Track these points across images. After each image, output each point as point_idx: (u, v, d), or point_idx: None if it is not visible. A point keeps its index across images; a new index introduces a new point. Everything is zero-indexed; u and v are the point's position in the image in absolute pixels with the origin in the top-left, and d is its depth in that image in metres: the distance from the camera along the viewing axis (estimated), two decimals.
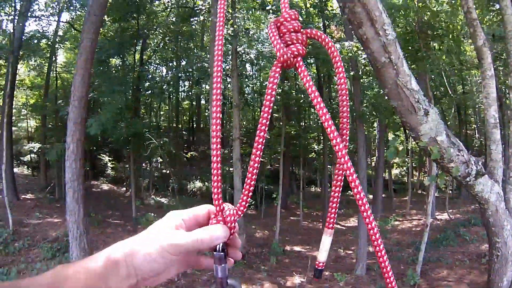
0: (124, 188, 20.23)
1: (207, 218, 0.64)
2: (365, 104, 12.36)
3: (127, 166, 19.65)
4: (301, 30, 0.66)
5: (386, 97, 2.72)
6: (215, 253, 0.60)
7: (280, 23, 0.66)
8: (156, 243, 0.56)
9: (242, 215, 0.64)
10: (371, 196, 17.35)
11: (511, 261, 4.53)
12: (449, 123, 19.07)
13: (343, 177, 0.70)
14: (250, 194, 0.64)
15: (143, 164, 20.16)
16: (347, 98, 0.69)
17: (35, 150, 19.05)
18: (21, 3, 13.68)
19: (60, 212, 11.89)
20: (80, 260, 0.55)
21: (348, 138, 0.71)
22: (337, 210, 0.70)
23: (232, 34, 10.28)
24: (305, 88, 0.64)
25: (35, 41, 14.56)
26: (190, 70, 17.26)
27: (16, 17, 13.51)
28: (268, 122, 0.65)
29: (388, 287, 0.61)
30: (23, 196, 14.53)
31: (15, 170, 17.24)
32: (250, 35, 11.89)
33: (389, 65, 2.21)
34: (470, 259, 8.93)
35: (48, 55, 16.49)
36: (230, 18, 10.01)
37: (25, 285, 0.49)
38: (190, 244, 0.57)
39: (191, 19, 16.40)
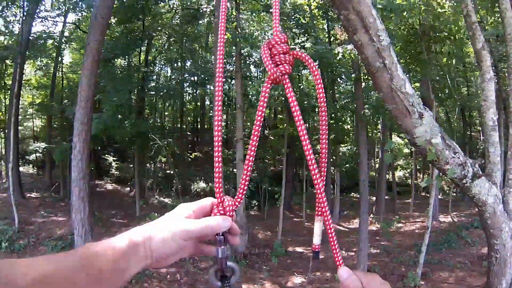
0: (128, 188, 20.37)
1: (211, 208, 0.74)
2: (366, 106, 12.35)
3: (131, 166, 19.80)
4: (289, 51, 0.77)
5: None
6: (216, 236, 0.71)
7: (272, 45, 0.78)
8: (171, 229, 0.65)
9: (239, 205, 0.75)
10: (374, 198, 17.30)
11: (510, 263, 4.55)
12: (453, 125, 19.00)
13: (325, 174, 0.80)
14: (246, 187, 0.76)
15: (147, 165, 20.31)
16: (327, 124, 0.81)
17: (40, 150, 19.25)
18: (28, 4, 13.88)
19: (65, 211, 12.04)
20: (104, 240, 0.62)
21: (326, 164, 0.81)
22: (324, 198, 0.77)
23: (235, 36, 10.35)
24: (289, 104, 0.76)
25: (42, 42, 14.75)
26: (195, 71, 17.35)
27: (23, 18, 13.71)
28: (261, 126, 0.77)
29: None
30: (28, 195, 14.70)
31: (21, 169, 17.45)
32: (253, 37, 11.94)
33: (384, 70, 2.28)
34: (472, 261, 8.93)
35: (54, 55, 16.70)
36: (234, 20, 10.10)
37: (60, 258, 0.56)
38: (199, 230, 0.67)
39: (196, 21, 16.52)
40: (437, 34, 9.13)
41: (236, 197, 0.75)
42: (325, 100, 0.79)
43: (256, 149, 0.76)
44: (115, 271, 0.58)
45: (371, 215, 15.57)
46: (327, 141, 0.81)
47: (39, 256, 0.56)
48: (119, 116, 12.60)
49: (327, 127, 0.81)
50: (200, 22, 16.35)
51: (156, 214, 11.77)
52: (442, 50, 9.27)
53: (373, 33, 2.08)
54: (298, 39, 11.18)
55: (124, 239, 0.62)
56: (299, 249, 11.53)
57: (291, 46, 0.83)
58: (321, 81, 0.78)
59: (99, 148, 20.17)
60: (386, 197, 18.60)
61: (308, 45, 10.16)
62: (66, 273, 0.53)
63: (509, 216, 4.28)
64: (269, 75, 0.76)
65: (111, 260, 0.58)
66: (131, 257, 0.60)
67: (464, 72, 15.70)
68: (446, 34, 9.04)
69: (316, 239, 0.81)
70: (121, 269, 0.59)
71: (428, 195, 13.77)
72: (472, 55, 13.50)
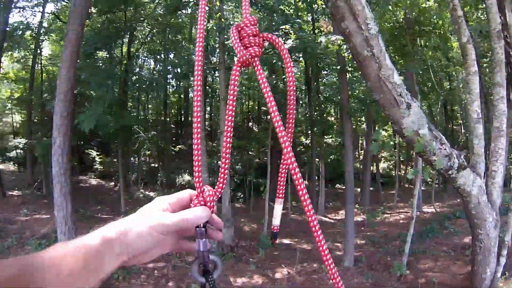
0: (113, 183, 20.06)
1: (190, 201, 0.71)
2: (352, 100, 12.38)
3: (115, 160, 19.46)
4: (259, 34, 0.75)
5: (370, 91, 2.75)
6: (197, 228, 0.68)
7: (241, 28, 0.75)
8: (146, 223, 0.62)
9: (219, 195, 0.72)
10: (358, 189, 17.51)
11: (493, 253, 4.64)
12: (435, 118, 19.35)
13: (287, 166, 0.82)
14: (226, 176, 0.74)
15: (131, 158, 20.00)
16: (294, 96, 0.81)
17: (21, 146, 18.67)
18: None
19: (48, 208, 11.75)
20: (77, 238, 0.59)
21: (292, 136, 0.82)
22: (284, 182, 0.84)
23: (219, 27, 10.20)
24: (260, 86, 0.74)
25: (19, 33, 14.20)
26: (178, 63, 17.07)
27: None
28: (233, 113, 0.76)
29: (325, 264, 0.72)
30: (9, 193, 14.29)
31: (1, 166, 16.90)
32: None
33: (372, 58, 2.24)
34: (455, 250, 9.12)
35: (33, 47, 16.13)
36: (218, 11, 9.92)
37: (29, 260, 0.52)
38: (177, 223, 0.64)
39: (179, 12, 16.20)
40: (422, 28, 9.18)
41: (216, 186, 0.72)
42: (294, 83, 0.79)
43: (231, 135, 0.74)
44: (87, 270, 0.55)
45: (356, 206, 15.76)
46: (293, 126, 0.81)
47: (4, 259, 0.52)
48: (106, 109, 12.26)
49: (294, 111, 0.81)
50: (184, 12, 16.00)
51: None
52: (427, 44, 9.34)
53: (361, 21, 2.03)
54: (280, 31, 11.02)
55: (97, 236, 0.59)
56: (285, 241, 11.57)
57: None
58: (291, 62, 0.77)
59: (81, 142, 19.73)
60: (371, 189, 18.85)
61: (292, 32, 10.06)
62: (33, 274, 0.50)
63: (492, 207, 4.35)
64: (238, 57, 0.74)
65: (82, 259, 0.55)
66: (105, 254, 0.58)
67: (447, 66, 15.94)
68: (431, 28, 9.10)
69: (276, 220, 0.84)
70: (94, 267, 0.56)
71: (412, 186, 14.01)
72: (455, 50, 13.70)
